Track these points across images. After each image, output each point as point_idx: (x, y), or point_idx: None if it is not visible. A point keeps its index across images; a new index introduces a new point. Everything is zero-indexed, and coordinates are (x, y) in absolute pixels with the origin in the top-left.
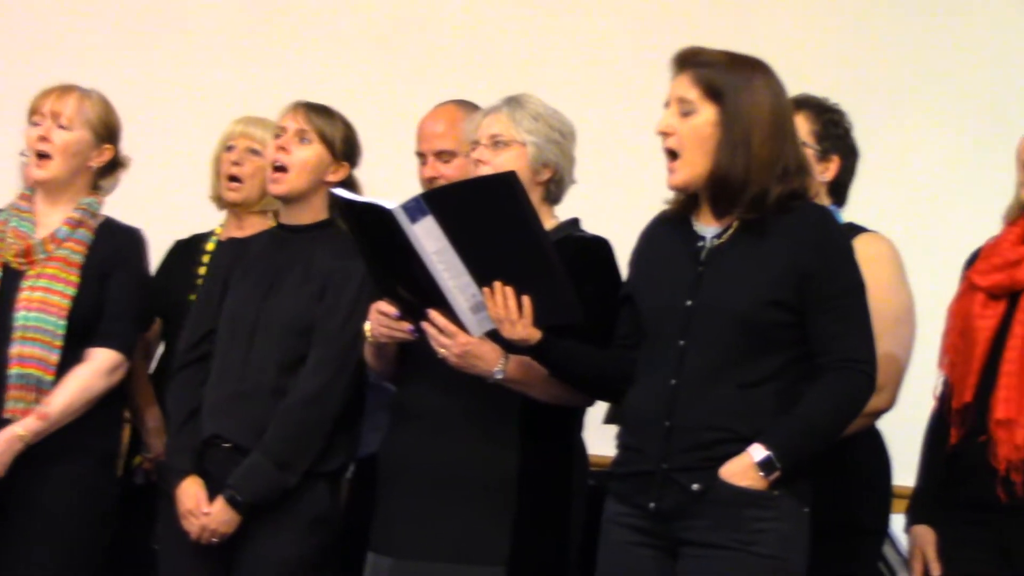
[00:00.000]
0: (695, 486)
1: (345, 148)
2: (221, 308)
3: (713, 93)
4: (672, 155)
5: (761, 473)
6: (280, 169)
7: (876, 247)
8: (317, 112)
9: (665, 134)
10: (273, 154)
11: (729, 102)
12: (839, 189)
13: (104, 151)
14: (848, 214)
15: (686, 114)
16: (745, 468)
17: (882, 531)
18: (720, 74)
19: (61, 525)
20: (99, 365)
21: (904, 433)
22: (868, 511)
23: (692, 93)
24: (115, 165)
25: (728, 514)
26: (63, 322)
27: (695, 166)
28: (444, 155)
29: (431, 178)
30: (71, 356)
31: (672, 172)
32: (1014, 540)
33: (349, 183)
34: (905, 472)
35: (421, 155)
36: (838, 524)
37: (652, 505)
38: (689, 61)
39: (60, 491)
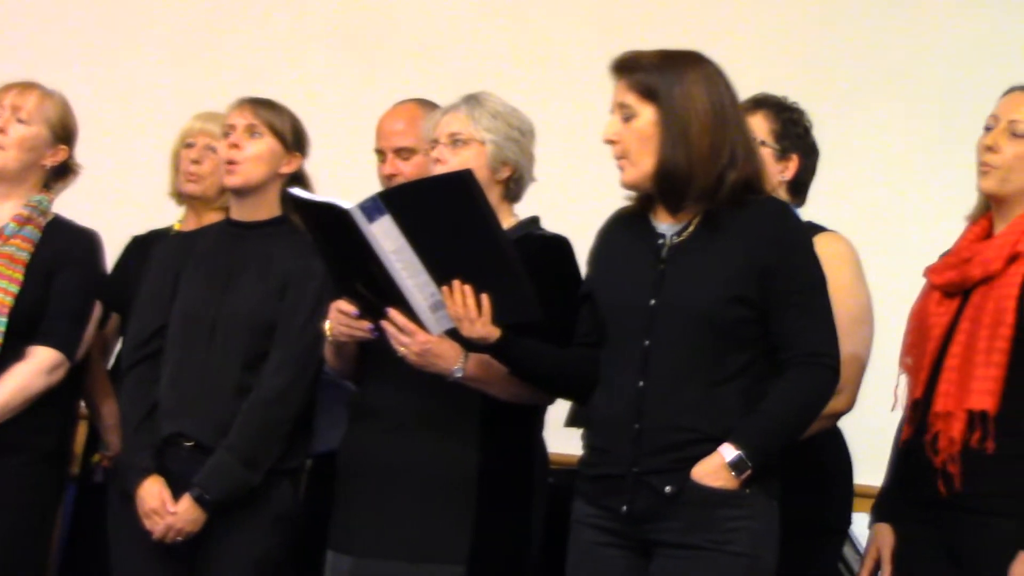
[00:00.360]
0: (668, 488)
1: (296, 139)
2: (171, 304)
3: (649, 94)
4: (620, 157)
5: (733, 473)
6: (234, 163)
7: (835, 247)
8: (264, 106)
9: (612, 142)
10: (226, 152)
11: (664, 100)
12: (799, 188)
13: (59, 151)
14: (809, 213)
15: (628, 119)
16: (717, 468)
17: (845, 530)
18: (653, 75)
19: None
20: (39, 364)
21: (865, 433)
22: (831, 511)
23: (630, 98)
24: (67, 170)
25: (702, 515)
26: (4, 319)
27: (642, 165)
28: (403, 152)
29: (390, 175)
30: (12, 354)
31: (621, 171)
32: (956, 537)
33: (300, 175)
34: (866, 472)
35: (380, 152)
36: (802, 524)
37: (624, 508)
38: (625, 67)
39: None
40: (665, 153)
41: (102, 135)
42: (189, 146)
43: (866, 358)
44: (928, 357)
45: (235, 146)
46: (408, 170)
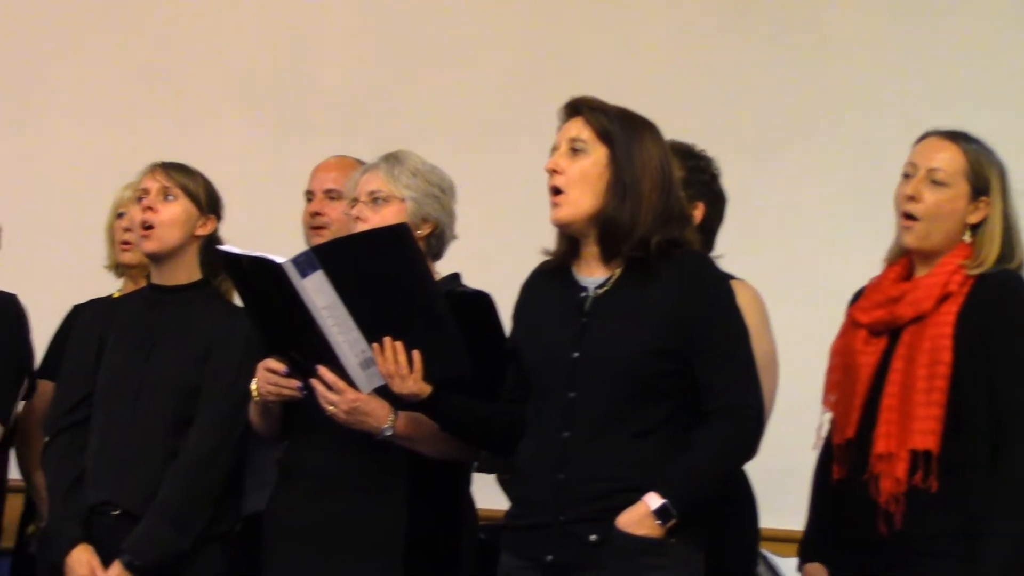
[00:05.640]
0: (592, 537)
1: (210, 201)
2: (96, 371)
3: (605, 137)
4: (556, 192)
5: (658, 521)
6: (150, 228)
7: (741, 295)
8: (176, 169)
9: (553, 171)
10: (140, 216)
11: (621, 147)
12: (706, 235)
13: None
14: (720, 261)
15: (576, 153)
16: (642, 517)
17: (748, 572)
18: (613, 121)
19: None
20: None
21: (771, 478)
22: (733, 553)
23: (586, 134)
24: None
25: (626, 563)
26: None
27: (581, 204)
28: (332, 193)
29: (314, 213)
30: None
31: (556, 207)
32: None
33: (215, 239)
34: (772, 516)
35: (310, 193)
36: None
37: (550, 558)
38: (585, 106)
39: None
40: (612, 199)
41: (33, 203)
42: (121, 216)
43: (771, 405)
44: (858, 397)
45: (150, 209)
46: (333, 213)
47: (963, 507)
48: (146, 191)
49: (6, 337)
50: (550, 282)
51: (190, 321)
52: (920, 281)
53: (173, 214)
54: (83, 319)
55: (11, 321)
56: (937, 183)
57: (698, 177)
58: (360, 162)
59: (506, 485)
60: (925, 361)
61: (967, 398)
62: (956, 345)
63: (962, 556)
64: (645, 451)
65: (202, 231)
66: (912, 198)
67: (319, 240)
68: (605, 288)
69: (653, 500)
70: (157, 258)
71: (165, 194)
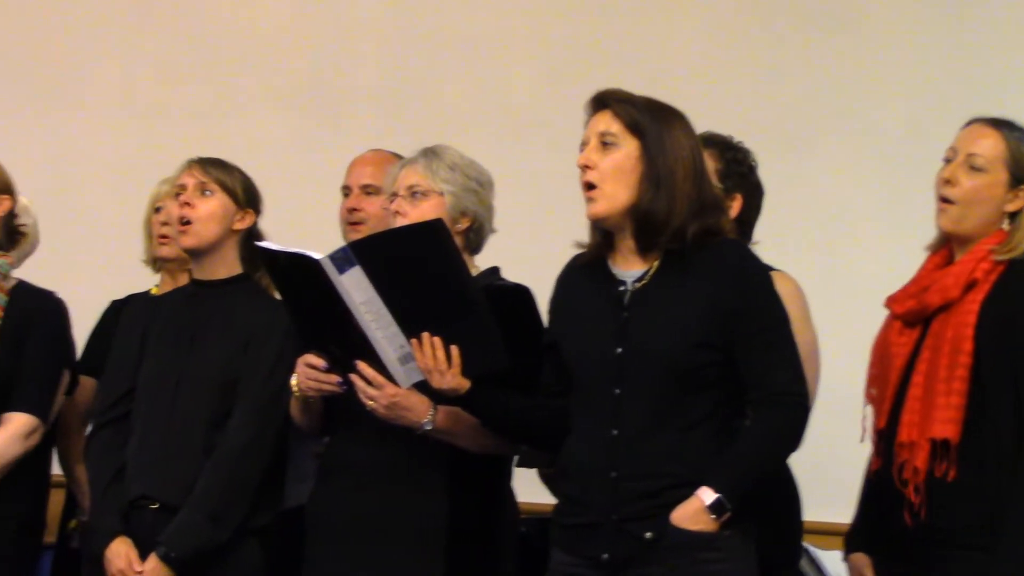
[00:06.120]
0: (648, 534)
1: (247, 195)
2: (139, 367)
3: (635, 129)
4: (590, 187)
5: (713, 516)
6: (187, 223)
7: (782, 286)
8: (213, 164)
9: (585, 167)
10: (178, 212)
11: (651, 138)
12: (744, 227)
13: (2, 200)
14: (767, 253)
15: (607, 147)
16: (696, 512)
17: (792, 565)
18: (643, 112)
19: None
20: (15, 430)
21: (809, 470)
22: (777, 546)
23: (615, 127)
24: (16, 232)
25: (683, 559)
26: None
27: (616, 197)
28: (369, 188)
29: (352, 209)
30: None
31: (592, 202)
32: (927, 570)
33: (256, 234)
34: (811, 508)
35: (347, 188)
36: None
37: (606, 556)
38: (613, 98)
39: None
40: (646, 191)
41: (71, 199)
42: (158, 210)
43: (813, 396)
44: (891, 387)
45: (187, 204)
46: (370, 208)
47: (987, 499)
48: (183, 187)
49: (48, 336)
50: (585, 276)
51: (230, 315)
52: (949, 269)
53: (210, 209)
54: (127, 315)
55: (53, 319)
56: (975, 168)
57: (736, 169)
58: (397, 156)
59: (548, 480)
60: (948, 350)
61: (990, 388)
62: (979, 334)
63: (985, 549)
64: (694, 444)
65: (240, 225)
66: (949, 182)
67: (356, 236)
68: (643, 281)
69: (707, 495)
70: (195, 253)
71: (202, 189)
